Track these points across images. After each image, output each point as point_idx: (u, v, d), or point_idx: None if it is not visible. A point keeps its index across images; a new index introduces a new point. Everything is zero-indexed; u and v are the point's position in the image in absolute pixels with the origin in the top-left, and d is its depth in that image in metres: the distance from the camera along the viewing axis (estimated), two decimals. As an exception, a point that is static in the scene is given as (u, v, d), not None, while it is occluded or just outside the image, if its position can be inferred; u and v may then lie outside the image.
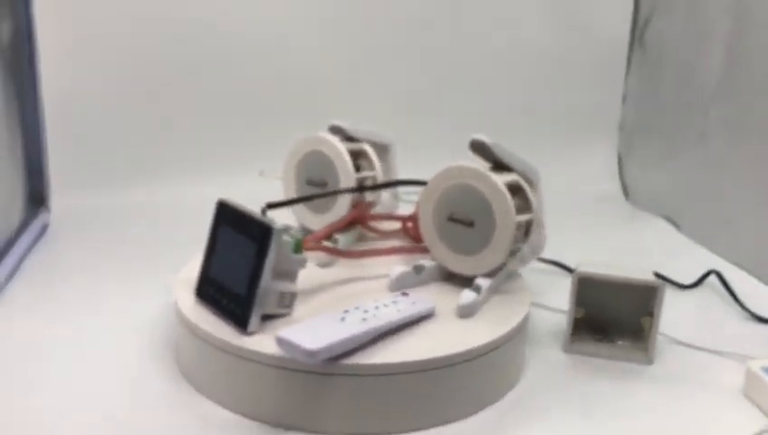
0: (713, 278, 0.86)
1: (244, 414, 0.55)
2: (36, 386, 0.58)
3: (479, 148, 0.66)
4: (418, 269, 0.67)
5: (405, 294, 0.63)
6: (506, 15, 1.22)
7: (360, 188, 0.75)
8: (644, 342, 0.68)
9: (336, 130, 0.78)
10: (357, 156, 0.77)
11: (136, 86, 1.10)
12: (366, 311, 0.57)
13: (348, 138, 0.77)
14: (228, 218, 0.59)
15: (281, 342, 0.51)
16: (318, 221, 0.76)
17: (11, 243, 0.86)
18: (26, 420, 0.54)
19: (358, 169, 0.76)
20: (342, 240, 0.74)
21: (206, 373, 0.58)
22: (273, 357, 0.53)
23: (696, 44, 1.08)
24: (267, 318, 0.57)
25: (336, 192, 0.74)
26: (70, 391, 0.58)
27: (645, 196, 1.20)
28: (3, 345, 0.65)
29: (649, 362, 0.67)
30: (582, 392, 0.62)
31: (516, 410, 0.59)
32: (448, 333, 0.58)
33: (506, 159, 0.66)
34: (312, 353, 0.50)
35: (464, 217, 0.66)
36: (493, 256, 0.65)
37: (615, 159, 1.28)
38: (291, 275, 0.59)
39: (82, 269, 0.84)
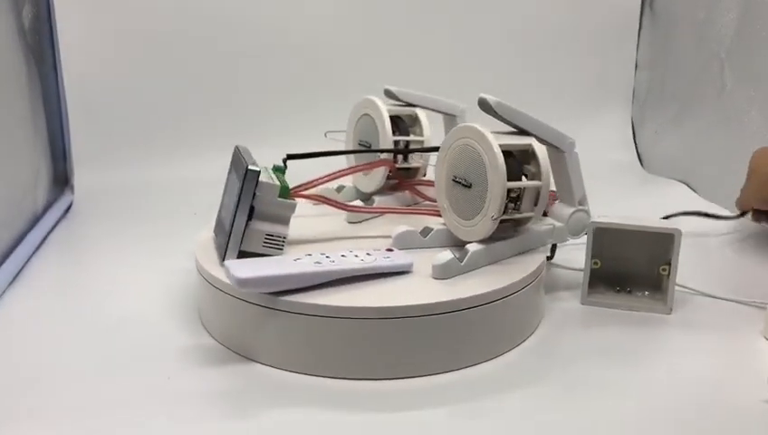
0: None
1: (231, 347, 0.60)
2: (63, 350, 0.60)
3: (488, 108, 0.63)
4: (425, 232, 0.66)
5: (389, 250, 0.63)
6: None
7: (362, 150, 0.77)
8: (662, 292, 0.68)
9: (389, 95, 0.78)
10: (411, 121, 0.78)
11: (155, 66, 1.12)
12: (328, 257, 0.58)
13: (404, 103, 0.78)
14: (234, 163, 0.64)
15: (225, 269, 0.55)
16: (366, 183, 0.78)
17: (36, 221, 0.88)
18: (54, 377, 0.56)
19: (407, 133, 0.77)
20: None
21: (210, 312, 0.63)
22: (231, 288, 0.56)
23: (708, 2, 1.08)
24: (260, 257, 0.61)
25: (342, 152, 0.77)
26: (96, 353, 0.60)
27: (660, 162, 1.20)
28: (29, 312, 0.67)
29: (668, 311, 0.67)
30: (600, 339, 0.63)
31: (531, 357, 0.60)
32: (407, 287, 0.58)
33: (518, 122, 0.63)
34: (240, 282, 0.54)
35: (463, 179, 0.63)
36: (482, 222, 0.61)
37: (629, 127, 1.28)
38: (278, 219, 0.62)
39: (105, 243, 0.86)
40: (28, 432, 0.49)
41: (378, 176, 0.76)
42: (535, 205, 0.64)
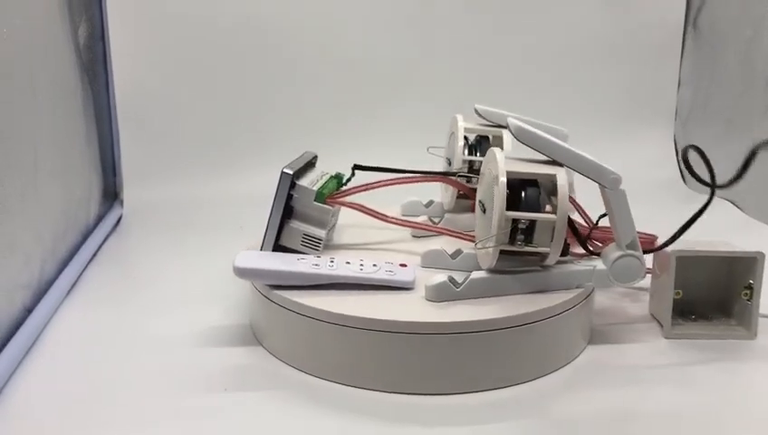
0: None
1: (285, 359, 0.61)
2: (117, 361, 0.61)
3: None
4: (456, 254, 0.65)
5: (403, 265, 0.63)
6: (560, 0, 1.24)
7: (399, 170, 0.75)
8: (740, 317, 0.65)
9: (477, 114, 0.77)
10: (496, 142, 0.77)
11: (203, 82, 1.14)
12: (332, 262, 0.62)
13: (493, 123, 0.77)
14: None
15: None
16: (445, 200, 0.79)
17: (88, 234, 0.91)
18: (109, 388, 0.58)
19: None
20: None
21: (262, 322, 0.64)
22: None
23: (754, 21, 1.07)
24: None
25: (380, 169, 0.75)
26: (149, 364, 0.61)
27: (704, 180, 1.19)
28: (85, 323, 0.68)
29: (753, 336, 0.64)
30: (688, 371, 0.60)
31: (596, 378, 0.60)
32: (392, 302, 0.58)
33: (547, 152, 0.59)
34: (237, 270, 0.60)
35: (482, 204, 0.63)
36: (486, 250, 0.60)
37: (671, 145, 1.27)
38: (316, 221, 0.67)
39: (154, 255, 0.88)
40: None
41: (447, 194, 0.77)
42: (551, 239, 0.59)
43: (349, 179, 0.73)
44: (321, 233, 0.67)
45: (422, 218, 0.77)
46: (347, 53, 1.20)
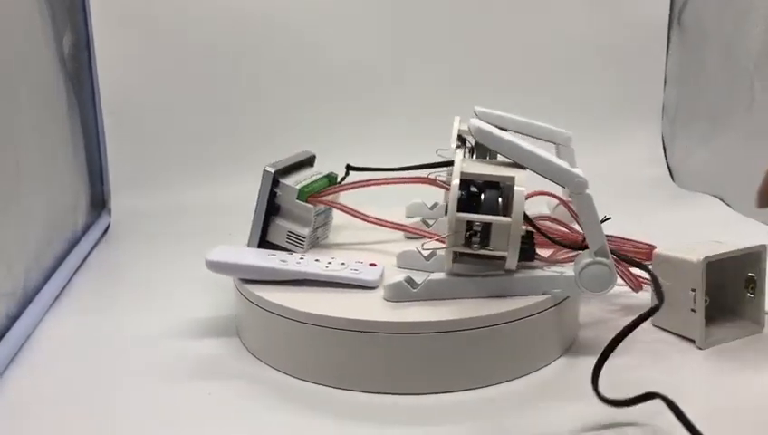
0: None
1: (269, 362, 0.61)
2: (103, 368, 0.62)
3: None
4: (430, 255, 0.65)
5: (372, 265, 0.63)
6: (545, 1, 1.24)
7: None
8: (748, 313, 0.64)
9: (483, 116, 0.75)
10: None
11: (190, 90, 1.14)
12: (302, 259, 0.64)
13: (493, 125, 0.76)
14: None
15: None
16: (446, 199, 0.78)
17: (75, 242, 0.90)
18: (93, 394, 0.58)
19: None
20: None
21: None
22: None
23: (736, 17, 1.08)
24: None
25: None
26: (136, 370, 0.61)
27: (692, 176, 1.19)
28: (71, 331, 0.68)
29: (761, 326, 0.63)
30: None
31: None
32: (349, 300, 0.58)
33: (508, 154, 0.57)
34: (209, 263, 0.63)
35: (446, 205, 0.62)
36: (442, 255, 0.59)
37: (659, 143, 1.28)
38: (300, 219, 0.69)
39: (143, 263, 0.88)
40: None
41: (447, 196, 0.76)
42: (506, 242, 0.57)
43: (343, 179, 0.73)
44: (304, 231, 0.68)
45: (416, 220, 0.76)
46: (337, 56, 1.20)
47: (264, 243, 0.70)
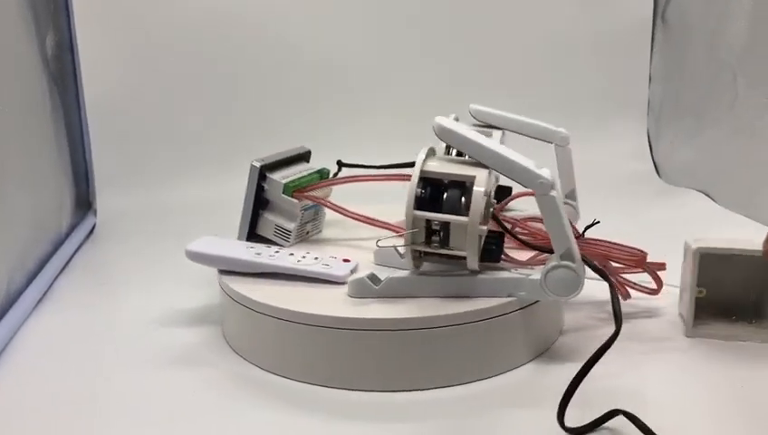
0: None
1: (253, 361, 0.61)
2: (87, 368, 0.61)
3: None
4: (405, 253, 0.63)
5: (346, 260, 0.64)
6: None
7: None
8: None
9: (477, 114, 0.76)
10: None
11: (175, 90, 1.14)
12: (277, 253, 0.65)
13: (483, 124, 0.76)
14: None
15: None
16: None
17: (60, 243, 0.90)
18: (78, 394, 0.57)
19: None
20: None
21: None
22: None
23: (719, 13, 1.09)
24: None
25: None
26: (121, 371, 0.61)
27: (677, 172, 1.20)
28: (56, 331, 0.68)
29: None
30: (704, 366, 0.59)
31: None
32: (315, 295, 0.59)
33: (469, 152, 0.56)
34: (188, 253, 0.65)
35: None
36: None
37: (644, 139, 1.28)
38: (286, 214, 0.70)
39: (128, 263, 0.87)
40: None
41: None
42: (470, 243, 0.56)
43: (335, 175, 0.74)
44: (290, 225, 0.70)
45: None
46: (324, 53, 1.20)
47: (253, 236, 0.71)
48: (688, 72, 1.19)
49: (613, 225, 0.70)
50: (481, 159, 0.55)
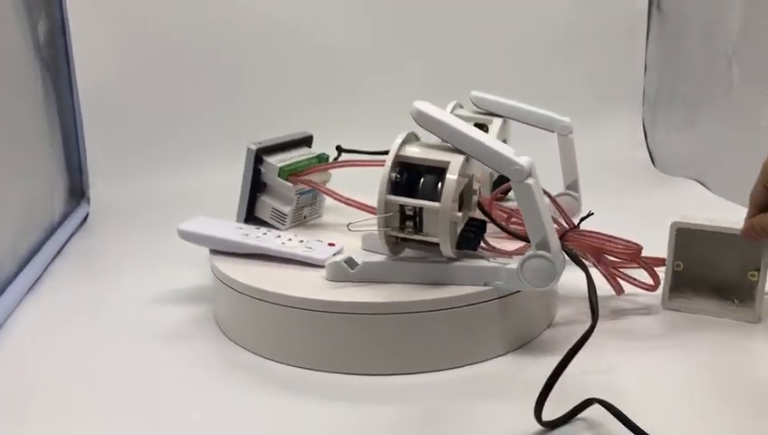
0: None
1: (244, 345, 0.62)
2: (78, 356, 0.61)
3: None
4: None
5: (331, 244, 0.64)
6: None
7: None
8: (751, 299, 0.63)
9: (478, 101, 0.75)
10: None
11: (169, 78, 1.13)
12: (264, 234, 0.66)
13: (484, 111, 0.75)
14: None
15: None
16: None
17: (53, 231, 0.90)
18: (67, 382, 0.57)
19: None
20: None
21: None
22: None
23: (715, 1, 1.09)
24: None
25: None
26: (112, 358, 0.61)
27: (672, 161, 1.20)
28: (46, 319, 0.68)
29: (756, 319, 0.62)
30: (680, 345, 0.59)
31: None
32: (292, 276, 0.60)
33: (446, 138, 0.55)
34: (180, 232, 0.67)
35: None
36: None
37: (640, 128, 1.28)
38: (282, 197, 0.70)
39: (121, 252, 0.87)
40: (40, 433, 0.49)
41: None
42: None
43: (335, 159, 0.75)
44: (286, 209, 0.70)
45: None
46: (318, 40, 1.19)
47: (252, 218, 0.72)
48: (684, 61, 1.19)
49: (608, 214, 0.70)
50: (457, 145, 0.55)
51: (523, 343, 0.60)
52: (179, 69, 1.13)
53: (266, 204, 0.71)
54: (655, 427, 0.46)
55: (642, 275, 0.66)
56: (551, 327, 0.64)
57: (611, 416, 0.47)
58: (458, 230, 0.57)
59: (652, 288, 0.65)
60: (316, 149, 0.76)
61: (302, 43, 1.18)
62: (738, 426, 0.49)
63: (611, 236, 0.64)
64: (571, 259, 0.58)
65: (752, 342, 0.60)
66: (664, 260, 0.65)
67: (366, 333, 0.55)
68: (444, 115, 0.55)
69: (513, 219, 0.66)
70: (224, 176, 1.06)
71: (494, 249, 0.60)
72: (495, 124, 0.74)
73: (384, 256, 0.58)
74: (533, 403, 0.48)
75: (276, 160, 0.70)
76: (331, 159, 0.74)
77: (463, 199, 0.58)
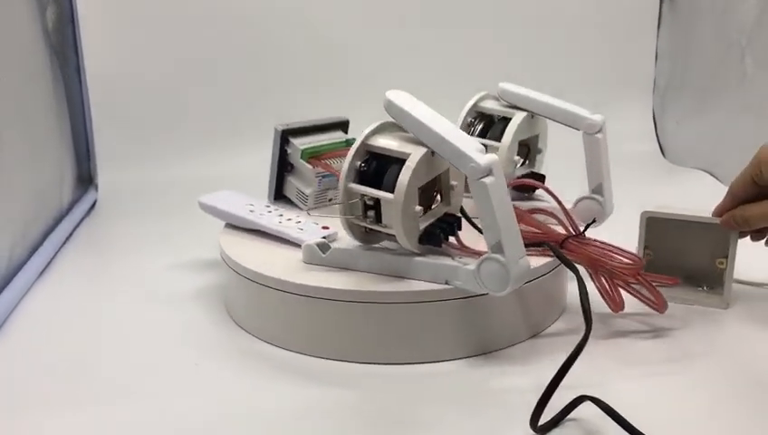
0: None
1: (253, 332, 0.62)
2: (88, 340, 0.61)
3: None
4: None
5: (325, 227, 0.64)
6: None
7: None
8: (719, 286, 0.64)
9: (503, 94, 0.71)
10: (505, 124, 0.70)
11: (176, 65, 1.13)
12: (269, 212, 0.68)
13: (508, 104, 0.71)
14: None
15: None
16: None
17: (61, 218, 0.90)
18: (79, 366, 0.57)
19: (485, 135, 0.71)
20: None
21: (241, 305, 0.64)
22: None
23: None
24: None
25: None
26: (122, 342, 0.61)
27: (682, 152, 1.20)
28: (56, 304, 0.68)
29: (725, 306, 0.63)
30: (650, 332, 0.60)
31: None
32: (278, 257, 0.61)
33: (411, 130, 0.54)
34: (200, 204, 0.71)
35: None
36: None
37: (650, 118, 1.27)
38: (305, 178, 0.72)
39: (129, 238, 0.87)
40: (52, 418, 0.49)
41: None
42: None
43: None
44: (308, 190, 0.72)
45: None
46: (322, 29, 1.18)
47: (281, 197, 0.74)
48: (696, 51, 1.18)
49: (617, 205, 0.70)
50: (419, 136, 0.53)
51: (492, 350, 0.57)
52: (188, 55, 1.13)
53: (292, 184, 0.73)
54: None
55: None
56: (536, 337, 0.60)
57: (601, 411, 0.45)
58: (422, 225, 0.56)
59: (657, 307, 0.60)
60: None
61: (319, 28, 1.18)
62: (713, 410, 0.49)
63: (616, 248, 0.60)
64: (564, 264, 0.56)
65: (720, 327, 0.61)
66: (668, 278, 0.61)
67: (323, 317, 0.56)
68: (411, 105, 0.54)
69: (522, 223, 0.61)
70: (231, 162, 1.07)
71: (462, 248, 0.57)
72: (517, 118, 0.69)
73: (355, 244, 0.59)
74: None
75: (302, 142, 0.71)
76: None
77: (441, 193, 0.58)
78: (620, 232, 0.65)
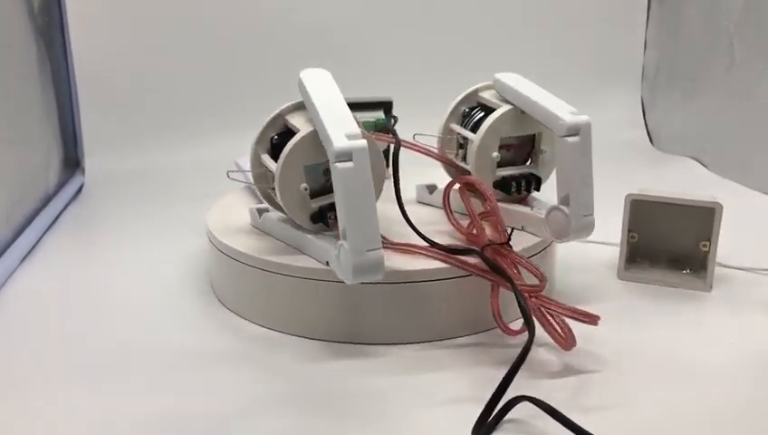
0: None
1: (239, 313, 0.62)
2: (74, 323, 0.61)
3: None
4: None
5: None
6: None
7: None
8: (703, 269, 0.65)
9: (496, 84, 0.66)
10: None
11: (166, 48, 1.12)
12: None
13: (501, 98, 0.65)
14: None
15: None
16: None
17: (47, 201, 0.89)
18: (64, 350, 0.57)
19: (467, 128, 0.68)
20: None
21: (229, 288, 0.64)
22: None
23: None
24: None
25: None
26: (109, 325, 0.61)
27: (670, 139, 1.20)
28: (40, 288, 0.67)
29: (708, 288, 0.64)
30: (635, 311, 0.61)
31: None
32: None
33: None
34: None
35: None
36: None
37: (639, 107, 1.28)
38: None
39: (116, 222, 0.87)
40: (35, 399, 0.49)
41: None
42: None
43: (388, 130, 0.70)
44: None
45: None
46: (315, 16, 1.18)
47: None
48: (684, 38, 1.18)
49: (605, 193, 0.68)
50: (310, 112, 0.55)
51: (370, 342, 0.56)
52: (176, 37, 1.12)
53: None
54: (610, 399, 0.46)
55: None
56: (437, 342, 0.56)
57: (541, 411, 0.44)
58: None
59: (565, 345, 0.52)
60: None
61: (309, 14, 1.17)
62: (689, 393, 0.49)
63: (525, 262, 0.56)
64: (489, 267, 0.54)
65: (702, 310, 0.62)
66: (596, 319, 0.52)
67: (234, 280, 0.61)
68: (313, 83, 0.56)
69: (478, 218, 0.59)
70: (219, 148, 1.06)
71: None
72: (497, 112, 0.62)
73: (273, 213, 0.62)
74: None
75: None
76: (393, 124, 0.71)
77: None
78: (613, 224, 0.66)
